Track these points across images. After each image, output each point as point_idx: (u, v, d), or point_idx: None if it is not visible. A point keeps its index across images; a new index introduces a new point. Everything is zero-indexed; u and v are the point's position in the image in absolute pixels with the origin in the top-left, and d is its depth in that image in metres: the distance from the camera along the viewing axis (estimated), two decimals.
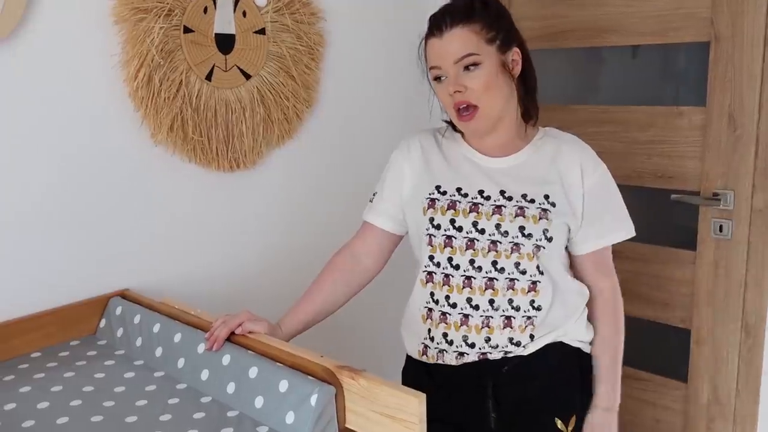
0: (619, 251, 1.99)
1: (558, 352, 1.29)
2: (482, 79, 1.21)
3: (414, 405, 1.00)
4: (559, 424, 1.27)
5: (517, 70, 1.28)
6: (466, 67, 1.21)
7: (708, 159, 1.80)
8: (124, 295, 1.51)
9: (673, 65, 2.01)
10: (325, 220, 1.95)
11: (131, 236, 1.55)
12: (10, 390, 1.22)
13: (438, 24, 1.23)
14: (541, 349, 1.27)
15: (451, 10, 1.24)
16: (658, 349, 2.08)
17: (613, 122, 1.97)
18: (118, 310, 1.45)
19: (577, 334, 1.31)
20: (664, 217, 2.00)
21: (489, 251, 1.23)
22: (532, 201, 1.24)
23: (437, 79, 1.25)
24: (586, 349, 1.34)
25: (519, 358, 1.26)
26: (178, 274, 1.65)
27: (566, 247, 1.31)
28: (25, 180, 1.37)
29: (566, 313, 1.28)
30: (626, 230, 1.32)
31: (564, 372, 1.30)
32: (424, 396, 1.00)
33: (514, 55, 1.27)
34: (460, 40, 1.21)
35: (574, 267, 1.35)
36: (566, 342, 1.30)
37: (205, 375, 1.22)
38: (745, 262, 1.78)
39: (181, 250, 1.65)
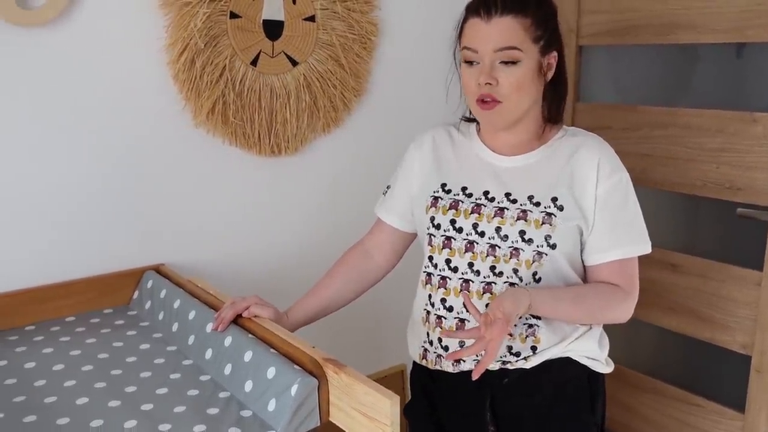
0: (677, 265, 1.88)
1: (564, 368, 1.21)
2: (516, 78, 1.14)
3: (386, 406, 0.97)
4: None
5: (550, 74, 1.20)
6: (505, 61, 1.14)
7: None
8: (158, 269, 1.57)
9: None
10: (365, 211, 1.93)
11: (171, 212, 1.61)
12: (35, 350, 1.30)
13: (487, 5, 1.14)
14: (544, 363, 1.20)
15: None
16: (715, 373, 1.92)
17: (678, 126, 1.83)
18: (149, 284, 1.52)
19: (586, 350, 1.22)
20: (728, 232, 1.84)
21: (488, 255, 1.18)
22: (538, 204, 1.17)
23: (469, 62, 1.18)
24: (598, 368, 1.25)
25: (520, 371, 1.20)
26: (214, 254, 1.69)
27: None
28: (73, 156, 1.45)
29: (572, 327, 1.21)
30: (640, 246, 1.20)
31: (570, 389, 1.23)
32: (398, 398, 0.97)
33: (551, 58, 1.19)
34: (508, 30, 1.13)
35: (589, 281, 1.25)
36: (574, 358, 1.22)
37: (208, 354, 1.25)
38: None
39: (219, 230, 1.70)
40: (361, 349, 2.07)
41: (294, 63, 1.71)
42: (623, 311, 1.21)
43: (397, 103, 1.97)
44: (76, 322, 1.45)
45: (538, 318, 1.18)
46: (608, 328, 1.30)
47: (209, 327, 1.28)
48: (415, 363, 1.36)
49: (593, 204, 1.17)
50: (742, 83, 1.99)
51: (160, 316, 1.43)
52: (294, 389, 1.05)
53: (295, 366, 1.10)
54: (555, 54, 1.20)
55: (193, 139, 1.61)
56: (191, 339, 1.31)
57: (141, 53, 1.50)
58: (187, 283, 1.48)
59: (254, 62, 1.64)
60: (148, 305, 1.49)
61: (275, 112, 1.70)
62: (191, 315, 1.34)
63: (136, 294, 1.55)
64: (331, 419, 1.10)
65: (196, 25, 1.50)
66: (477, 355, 1.20)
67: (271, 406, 1.07)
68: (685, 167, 1.81)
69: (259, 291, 1.41)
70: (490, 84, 1.14)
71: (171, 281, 1.50)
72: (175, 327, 1.37)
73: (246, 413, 1.09)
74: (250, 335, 1.22)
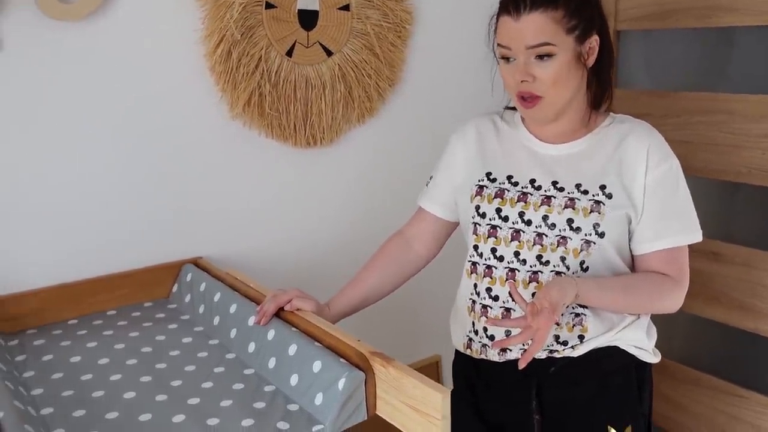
0: (718, 254, 1.83)
1: (612, 357, 1.19)
2: (553, 71, 1.12)
3: (437, 400, 0.96)
4: (612, 431, 1.18)
5: (592, 59, 1.17)
6: (539, 56, 1.13)
7: None
8: (196, 262, 1.57)
9: None
10: (402, 201, 1.92)
11: (208, 205, 1.61)
12: (79, 344, 1.31)
13: (516, 2, 1.13)
14: (591, 351, 1.18)
15: None
16: (761, 364, 1.88)
17: (721, 111, 1.78)
18: (188, 277, 1.52)
19: (634, 339, 1.20)
20: None
21: (534, 244, 1.16)
22: (586, 192, 1.15)
23: (505, 58, 1.18)
24: (646, 358, 1.23)
25: (567, 360, 1.18)
26: (251, 246, 1.69)
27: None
28: (111, 148, 1.45)
29: (620, 316, 1.19)
30: (691, 235, 1.18)
31: (618, 378, 1.21)
32: (448, 392, 0.96)
33: (592, 42, 1.17)
34: (538, 26, 1.11)
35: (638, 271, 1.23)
36: (622, 347, 1.20)
37: (251, 347, 1.24)
38: None
39: (255, 223, 1.69)
40: (395, 339, 2.06)
41: (329, 53, 1.69)
42: (673, 301, 1.18)
43: (432, 92, 1.95)
44: (118, 315, 1.45)
45: (584, 307, 1.17)
46: (651, 319, 1.28)
47: (251, 320, 1.27)
48: (458, 352, 1.34)
49: (642, 192, 1.15)
50: None
51: (201, 310, 1.43)
52: (341, 383, 1.04)
53: (341, 359, 1.09)
54: (596, 38, 1.17)
55: (229, 131, 1.60)
56: (233, 332, 1.30)
57: (177, 45, 1.49)
58: (226, 276, 1.47)
59: (289, 53, 1.63)
60: (188, 298, 1.49)
61: (310, 103, 1.69)
62: (232, 308, 1.34)
63: (175, 287, 1.55)
64: (377, 413, 1.09)
65: (232, 16, 1.49)
66: (524, 344, 1.18)
67: (318, 400, 1.06)
68: (729, 154, 1.77)
69: (295, 282, 1.41)
70: (526, 81, 1.13)
71: (209, 274, 1.49)
72: (216, 320, 1.37)
73: (293, 407, 1.09)
74: (293, 328, 1.21)
